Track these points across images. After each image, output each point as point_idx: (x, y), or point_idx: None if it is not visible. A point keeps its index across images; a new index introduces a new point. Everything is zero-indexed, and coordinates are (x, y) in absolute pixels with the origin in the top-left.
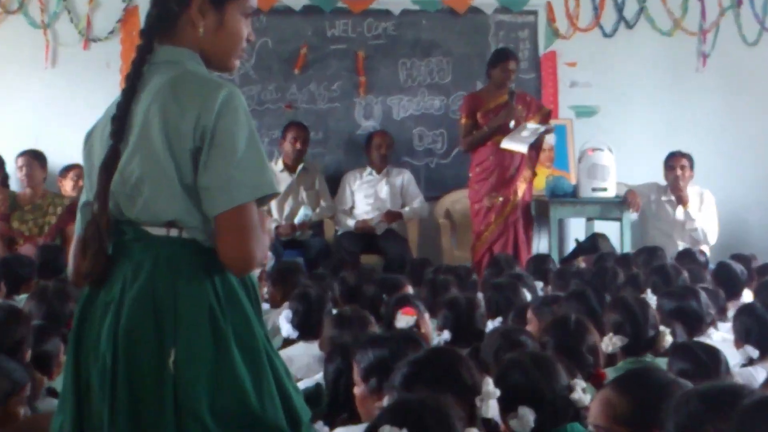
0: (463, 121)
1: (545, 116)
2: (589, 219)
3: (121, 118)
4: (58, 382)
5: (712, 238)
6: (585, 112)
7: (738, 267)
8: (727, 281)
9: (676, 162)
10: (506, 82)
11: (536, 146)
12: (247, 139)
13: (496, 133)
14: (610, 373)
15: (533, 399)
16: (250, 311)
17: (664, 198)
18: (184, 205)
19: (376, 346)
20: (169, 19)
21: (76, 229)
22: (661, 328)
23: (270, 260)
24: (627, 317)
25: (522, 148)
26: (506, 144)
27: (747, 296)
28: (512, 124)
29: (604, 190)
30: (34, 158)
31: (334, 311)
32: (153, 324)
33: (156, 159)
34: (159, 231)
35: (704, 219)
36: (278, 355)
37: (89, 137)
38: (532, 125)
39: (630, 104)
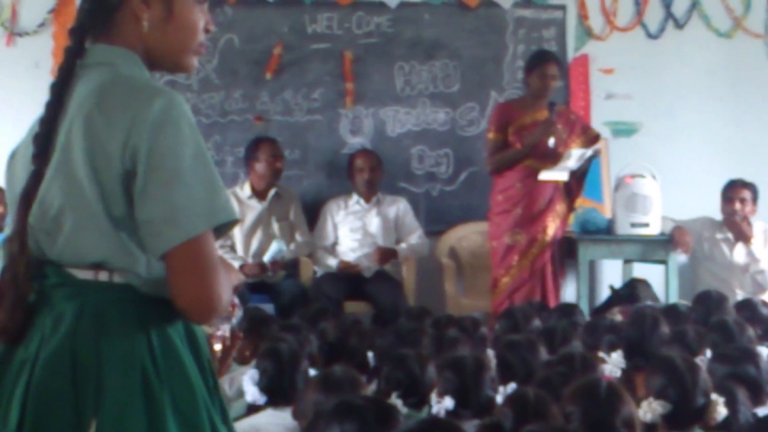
0: (491, 135)
1: (591, 141)
2: (628, 261)
3: (44, 136)
4: None
5: None
6: (623, 130)
7: None
8: None
9: (735, 193)
10: (545, 92)
11: (579, 174)
12: (193, 157)
13: (530, 154)
14: None
15: None
16: (194, 375)
17: (719, 236)
18: (113, 243)
19: (349, 417)
20: (104, 13)
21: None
22: (713, 396)
23: (237, 311)
24: (672, 380)
25: (562, 175)
26: (545, 176)
27: None
28: (551, 142)
29: (646, 225)
30: None
31: (312, 371)
32: (70, 388)
33: (78, 186)
34: (85, 274)
35: None
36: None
37: (12, 159)
38: (577, 151)
39: (678, 121)
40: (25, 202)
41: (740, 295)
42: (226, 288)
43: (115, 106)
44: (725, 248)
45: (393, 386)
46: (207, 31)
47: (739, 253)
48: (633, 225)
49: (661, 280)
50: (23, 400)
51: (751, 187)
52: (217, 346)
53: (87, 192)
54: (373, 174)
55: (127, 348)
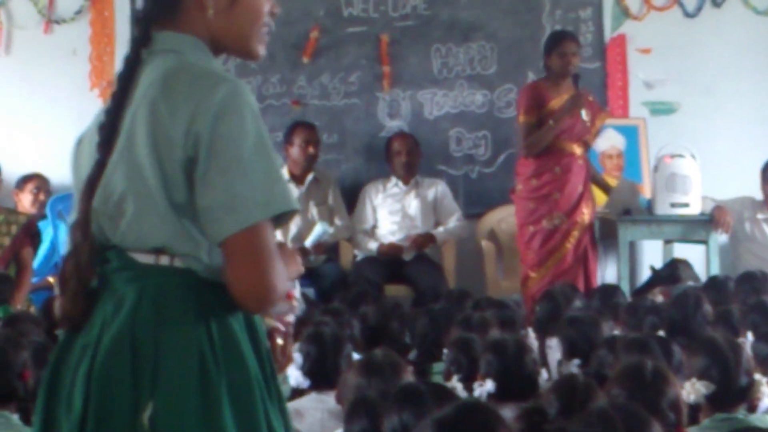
0: (522, 118)
1: (601, 120)
2: (668, 242)
3: (109, 126)
4: None
5: None
6: (662, 109)
7: None
8: None
9: None
10: (567, 70)
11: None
12: (254, 146)
13: (563, 135)
14: None
15: None
16: (251, 364)
17: (760, 215)
18: (174, 228)
19: (407, 402)
20: (171, 1)
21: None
22: (757, 376)
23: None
24: (715, 361)
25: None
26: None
27: None
28: (584, 114)
29: (686, 206)
30: None
31: (355, 355)
32: (129, 370)
33: (140, 172)
34: (147, 258)
35: None
36: (283, 422)
37: (78, 146)
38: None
39: (717, 100)
40: (89, 189)
41: None
42: (282, 278)
43: (180, 93)
44: (766, 228)
45: (456, 370)
46: (273, 14)
47: None
48: (673, 205)
49: (702, 261)
50: (87, 383)
51: None
52: (280, 341)
53: (149, 178)
54: (410, 157)
55: (185, 333)
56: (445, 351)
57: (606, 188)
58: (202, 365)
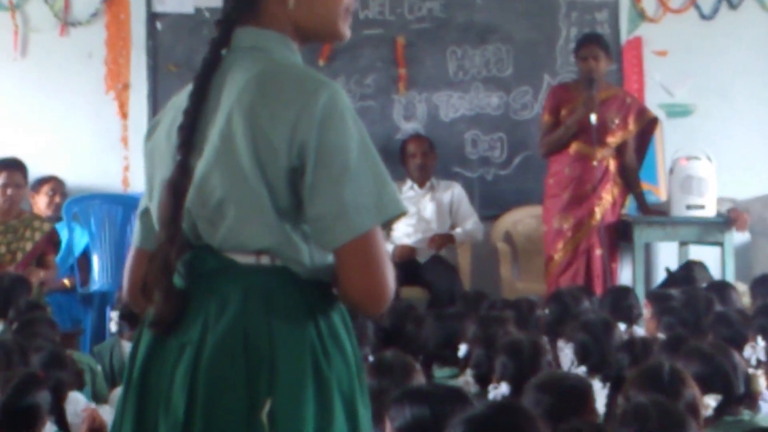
0: (545, 118)
1: (648, 125)
2: (684, 244)
3: (189, 127)
4: None
5: None
6: (678, 111)
7: None
8: None
9: None
10: (589, 73)
11: (641, 150)
12: (360, 151)
13: (577, 137)
14: None
15: None
16: (351, 359)
17: None
18: (278, 233)
19: (416, 401)
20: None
21: (135, 239)
22: (750, 371)
23: None
24: (714, 370)
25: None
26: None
27: None
28: (593, 119)
29: (702, 207)
30: (17, 169)
31: (370, 357)
32: (243, 369)
33: (242, 178)
34: (247, 259)
35: None
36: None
37: (150, 139)
38: None
39: (733, 102)
40: (174, 192)
41: None
42: (393, 279)
43: (279, 99)
44: None
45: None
46: None
47: None
48: (689, 207)
49: (717, 263)
50: (190, 384)
51: None
52: None
53: (252, 183)
54: (426, 159)
55: (298, 329)
56: (462, 349)
57: (640, 201)
58: (315, 360)
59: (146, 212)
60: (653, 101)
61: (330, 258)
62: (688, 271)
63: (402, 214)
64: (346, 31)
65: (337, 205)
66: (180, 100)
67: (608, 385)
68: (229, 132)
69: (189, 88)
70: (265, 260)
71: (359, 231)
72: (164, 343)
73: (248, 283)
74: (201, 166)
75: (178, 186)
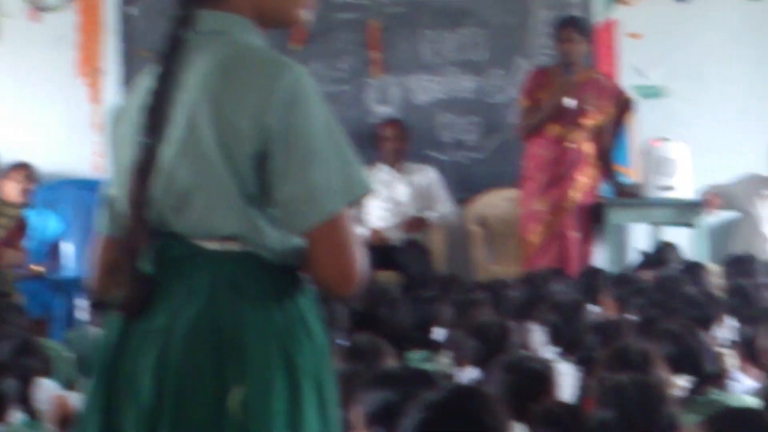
0: (523, 102)
1: (623, 107)
2: (657, 225)
3: (157, 109)
4: None
5: None
6: (651, 92)
7: None
8: None
9: None
10: (565, 57)
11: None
12: (326, 131)
13: (555, 119)
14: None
15: None
16: (320, 344)
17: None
18: (245, 219)
19: (384, 385)
20: None
21: (100, 226)
22: (720, 350)
23: None
24: (683, 351)
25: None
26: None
27: None
28: (566, 102)
29: (674, 189)
30: None
31: (343, 341)
32: (213, 357)
33: (209, 166)
34: (215, 245)
35: None
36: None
37: (116, 120)
38: None
39: (707, 84)
40: (141, 176)
41: None
42: (363, 261)
43: (243, 84)
44: None
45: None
46: None
47: None
48: (661, 188)
49: (690, 244)
50: (157, 371)
51: None
52: None
53: (219, 171)
54: (399, 143)
55: (267, 315)
56: (436, 332)
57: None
58: (284, 347)
59: (111, 199)
60: (627, 83)
61: (298, 242)
62: (662, 253)
63: (369, 193)
64: (303, 15)
65: (305, 188)
66: (143, 84)
67: (580, 367)
68: (194, 120)
69: (152, 70)
70: (232, 246)
71: (329, 213)
72: (132, 330)
73: (216, 270)
74: (167, 153)
75: (144, 169)
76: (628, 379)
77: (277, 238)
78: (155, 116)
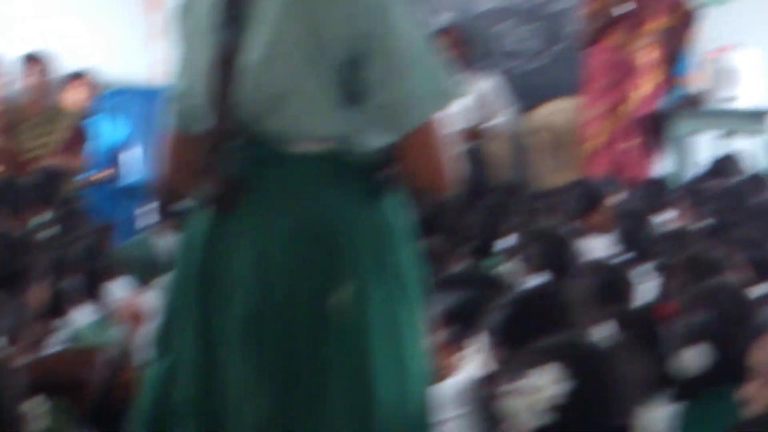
0: (586, 9)
1: (682, 17)
2: (721, 135)
3: (237, 5)
4: None
5: None
6: (716, 0)
7: None
8: None
9: None
10: None
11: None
12: (417, 37)
13: (615, 24)
14: None
15: None
16: (409, 240)
17: None
18: (337, 122)
19: (457, 286)
20: None
21: (172, 123)
22: None
23: None
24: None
25: None
26: None
27: None
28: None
29: (738, 99)
30: (39, 62)
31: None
32: (323, 254)
33: (301, 70)
34: (308, 146)
35: None
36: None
37: (187, 13)
38: None
39: None
40: (225, 72)
41: None
42: (457, 163)
43: None
44: None
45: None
46: None
47: None
48: (723, 99)
49: (756, 154)
50: (258, 271)
51: None
52: None
53: (313, 75)
54: (460, 50)
55: (368, 213)
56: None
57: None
58: (382, 245)
59: (182, 94)
60: None
61: (388, 144)
62: (724, 164)
63: (461, 96)
64: None
65: (402, 93)
66: None
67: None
68: (283, 23)
69: None
70: (327, 148)
71: (424, 118)
72: (222, 230)
73: (314, 170)
74: (253, 54)
75: (226, 65)
76: (719, 284)
77: (370, 140)
78: (234, 12)
